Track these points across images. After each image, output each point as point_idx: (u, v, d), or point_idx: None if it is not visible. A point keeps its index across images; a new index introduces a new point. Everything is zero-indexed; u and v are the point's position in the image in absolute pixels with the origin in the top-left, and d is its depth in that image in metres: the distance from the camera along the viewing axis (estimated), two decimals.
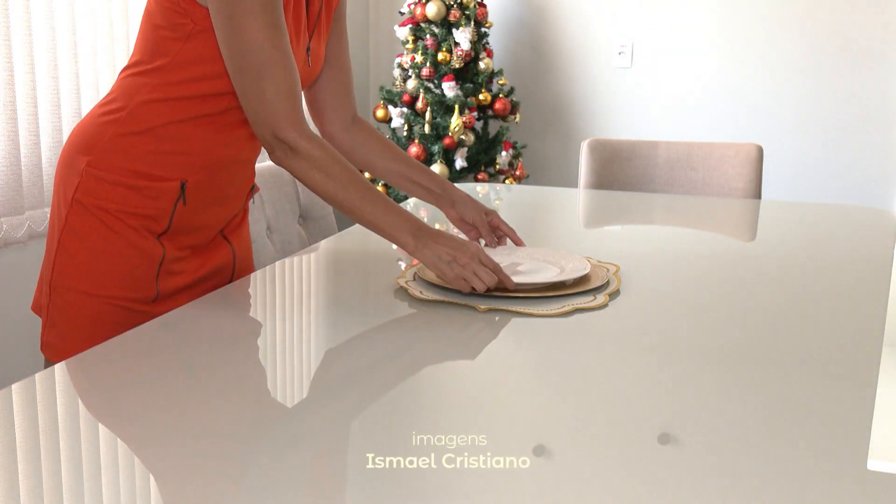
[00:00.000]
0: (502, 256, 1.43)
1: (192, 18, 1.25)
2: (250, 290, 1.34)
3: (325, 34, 1.46)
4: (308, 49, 1.40)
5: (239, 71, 1.24)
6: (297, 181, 2.01)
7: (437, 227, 1.46)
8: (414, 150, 3.46)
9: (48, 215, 2.42)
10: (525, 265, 1.40)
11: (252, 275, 1.42)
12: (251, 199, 1.55)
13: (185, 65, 1.28)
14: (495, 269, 1.26)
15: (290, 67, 1.25)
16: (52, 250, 1.33)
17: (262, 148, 1.32)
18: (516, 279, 1.28)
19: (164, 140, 1.30)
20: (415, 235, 1.26)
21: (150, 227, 1.31)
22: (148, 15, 1.30)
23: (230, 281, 1.46)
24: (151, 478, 0.74)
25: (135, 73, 1.32)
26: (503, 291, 1.27)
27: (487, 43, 3.69)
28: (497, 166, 3.67)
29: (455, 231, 1.63)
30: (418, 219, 1.29)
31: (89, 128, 1.33)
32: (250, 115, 1.26)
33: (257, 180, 1.73)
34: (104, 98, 1.36)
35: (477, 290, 1.24)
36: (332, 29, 1.51)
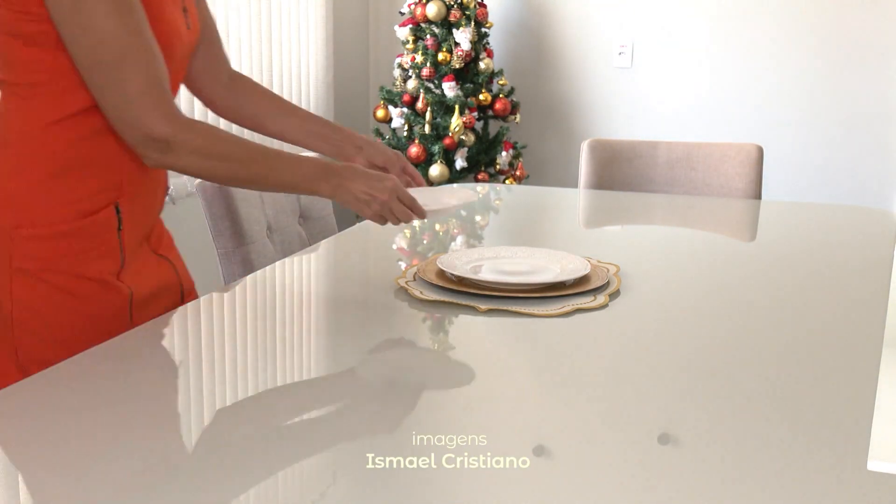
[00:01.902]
0: (504, 255, 1.43)
1: (53, 24, 1.09)
2: (250, 291, 1.34)
3: None
4: (184, 10, 1.25)
5: (93, 67, 1.08)
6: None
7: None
8: (414, 150, 3.46)
9: None
10: (524, 265, 1.40)
11: (251, 275, 1.42)
12: (167, 199, 1.43)
13: (67, 74, 1.11)
14: (411, 204, 1.22)
15: (152, 53, 1.11)
16: (5, 330, 1.14)
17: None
18: (516, 279, 1.28)
19: (79, 166, 1.15)
20: (327, 180, 1.20)
21: (106, 269, 1.18)
22: (1, 31, 1.11)
23: (181, 301, 1.34)
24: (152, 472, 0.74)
25: (8, 95, 1.14)
26: (503, 291, 1.27)
27: (488, 43, 3.69)
28: (497, 166, 3.67)
29: None
30: (325, 161, 1.22)
31: None
32: (114, 116, 1.11)
33: None
34: None
35: (394, 225, 1.24)
36: None
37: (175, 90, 1.26)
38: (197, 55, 1.37)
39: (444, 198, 1.38)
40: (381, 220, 1.23)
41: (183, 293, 1.35)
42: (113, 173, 1.18)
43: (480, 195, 2.28)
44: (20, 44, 1.11)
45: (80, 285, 1.16)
